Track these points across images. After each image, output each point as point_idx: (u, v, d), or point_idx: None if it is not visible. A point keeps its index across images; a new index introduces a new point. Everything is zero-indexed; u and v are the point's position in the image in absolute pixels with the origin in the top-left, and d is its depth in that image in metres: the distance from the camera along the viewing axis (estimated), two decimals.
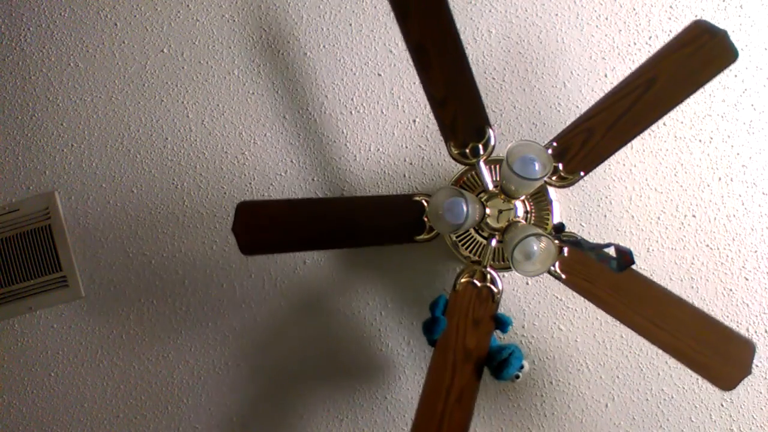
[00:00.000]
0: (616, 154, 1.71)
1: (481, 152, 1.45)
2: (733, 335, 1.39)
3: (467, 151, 1.45)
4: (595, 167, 1.42)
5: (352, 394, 1.81)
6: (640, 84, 1.37)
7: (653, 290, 1.41)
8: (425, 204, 1.49)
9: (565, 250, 1.44)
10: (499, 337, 1.68)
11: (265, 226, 1.49)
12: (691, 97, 1.69)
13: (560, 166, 1.43)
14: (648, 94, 1.36)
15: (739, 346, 1.39)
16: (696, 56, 1.35)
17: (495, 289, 1.48)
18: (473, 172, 1.56)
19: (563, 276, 1.43)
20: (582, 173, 1.42)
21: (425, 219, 1.49)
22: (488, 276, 1.49)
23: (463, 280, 1.49)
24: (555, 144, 1.43)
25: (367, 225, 1.50)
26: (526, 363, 1.57)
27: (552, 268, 1.42)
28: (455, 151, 1.46)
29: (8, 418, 1.90)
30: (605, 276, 1.40)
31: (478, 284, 1.48)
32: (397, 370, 1.80)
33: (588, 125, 1.40)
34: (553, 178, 1.44)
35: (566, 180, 1.44)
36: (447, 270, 1.75)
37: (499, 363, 1.48)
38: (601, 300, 1.42)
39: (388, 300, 1.79)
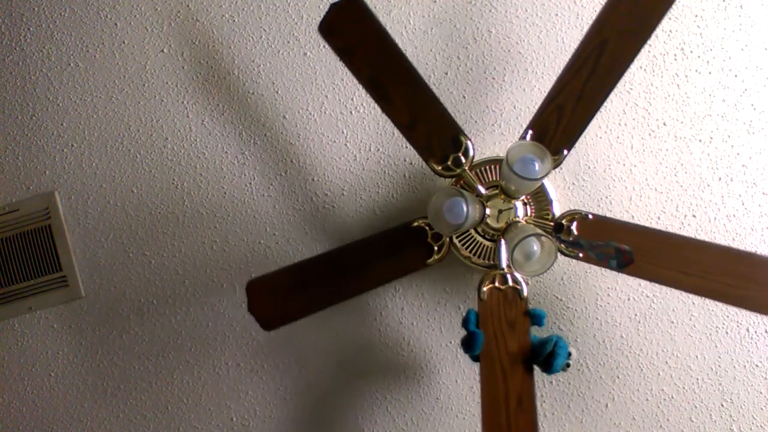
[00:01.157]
0: (616, 153, 1.72)
1: (463, 161, 1.45)
2: (763, 260, 1.37)
3: (449, 164, 1.45)
4: (575, 141, 1.41)
5: (352, 394, 1.82)
6: (594, 48, 1.36)
7: (671, 241, 1.41)
8: (426, 227, 1.49)
9: (574, 226, 1.44)
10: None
11: (279, 298, 1.51)
12: (691, 96, 1.70)
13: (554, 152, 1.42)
14: (604, 56, 1.36)
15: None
16: (638, 3, 1.34)
17: (519, 287, 1.47)
18: (473, 172, 1.56)
19: (580, 255, 1.42)
20: (565, 151, 1.41)
21: (430, 242, 1.49)
22: (509, 276, 1.48)
23: (485, 288, 1.48)
24: (531, 131, 1.41)
25: (376, 266, 1.50)
26: (573, 350, 1.54)
27: (568, 248, 1.42)
28: (438, 167, 1.46)
29: (8, 418, 1.90)
30: (620, 241, 1.40)
31: (502, 287, 1.47)
32: (396, 370, 1.80)
33: (557, 103, 1.39)
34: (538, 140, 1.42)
35: (553, 161, 1.43)
36: (448, 270, 1.75)
37: (547, 357, 1.45)
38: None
39: (388, 300, 1.79)
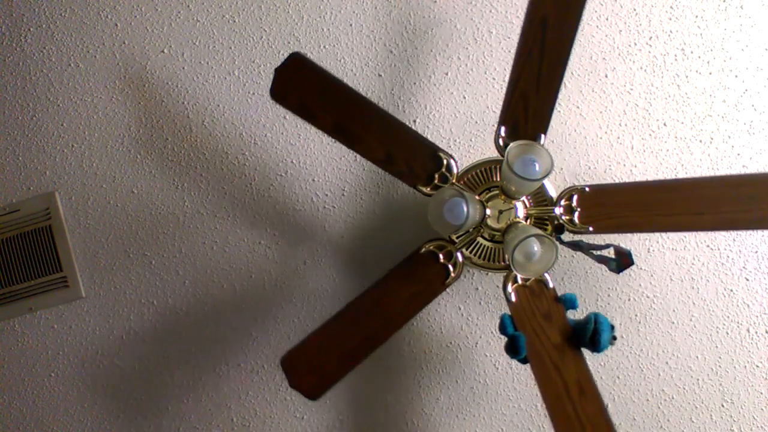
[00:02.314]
0: (617, 154, 1.72)
1: (449, 176, 1.45)
2: (763, 177, 1.38)
3: (436, 182, 1.45)
4: (548, 123, 1.41)
5: (352, 394, 1.81)
6: (536, 29, 1.36)
7: (671, 187, 1.41)
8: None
9: (574, 199, 1.44)
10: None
11: (315, 366, 1.49)
12: (692, 97, 1.70)
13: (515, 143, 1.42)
14: (548, 33, 1.35)
15: None
16: None
17: (543, 278, 1.47)
18: (473, 173, 1.56)
19: (591, 229, 1.43)
20: (542, 136, 1.41)
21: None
22: None
23: (511, 289, 1.47)
24: (504, 126, 1.42)
25: (399, 304, 1.48)
26: (613, 323, 1.51)
27: (578, 222, 1.43)
28: (427, 189, 1.46)
29: (8, 418, 1.90)
30: (623, 204, 1.41)
31: (526, 283, 1.47)
32: (397, 371, 1.80)
33: (519, 91, 1.39)
34: (505, 142, 1.43)
35: (542, 136, 1.43)
36: None
37: (591, 336, 1.42)
38: (635, 224, 1.41)
39: None
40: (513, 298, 1.46)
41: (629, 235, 1.72)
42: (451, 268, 1.48)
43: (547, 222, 1.51)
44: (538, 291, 1.46)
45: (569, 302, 1.47)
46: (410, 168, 1.45)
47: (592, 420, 1.38)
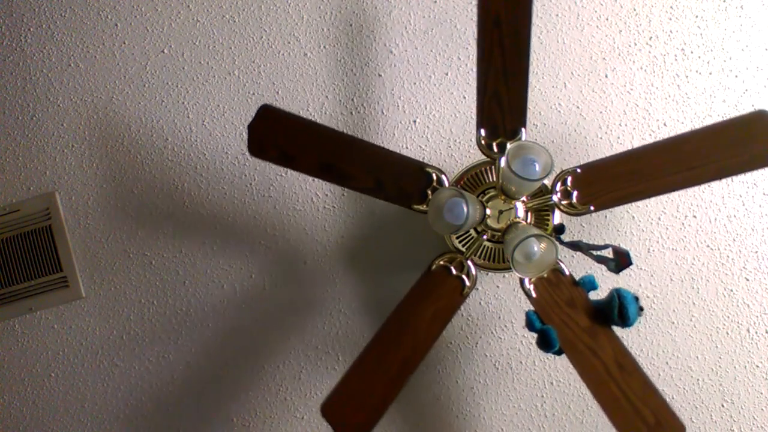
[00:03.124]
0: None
1: (441, 188, 1.44)
2: (742, 119, 1.39)
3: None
4: (525, 116, 1.42)
5: None
6: (491, 30, 1.37)
7: (657, 149, 1.42)
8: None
9: (569, 182, 1.44)
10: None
11: (358, 403, 1.48)
12: (692, 97, 1.70)
13: (501, 140, 1.43)
14: (504, 29, 1.37)
15: (757, 127, 1.38)
16: None
17: (556, 266, 1.46)
18: (473, 173, 1.56)
19: (592, 208, 1.43)
20: (522, 130, 1.42)
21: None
22: None
23: (529, 284, 1.47)
24: (483, 130, 1.43)
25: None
26: (633, 293, 1.49)
27: (577, 204, 1.43)
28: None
29: (8, 418, 1.90)
30: (617, 176, 1.41)
31: (545, 275, 1.47)
32: None
33: (490, 92, 1.40)
34: (496, 149, 1.44)
35: (510, 144, 1.43)
36: None
37: (619, 312, 1.40)
38: (631, 193, 1.42)
39: (389, 301, 1.79)
40: (533, 294, 1.46)
41: (629, 235, 1.72)
42: (465, 278, 1.49)
43: (548, 212, 1.51)
44: (556, 280, 1.46)
45: (589, 284, 1.46)
46: (401, 190, 1.47)
47: (639, 394, 1.38)
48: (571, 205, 1.44)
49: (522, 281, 1.47)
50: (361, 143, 1.48)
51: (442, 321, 1.47)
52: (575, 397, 1.75)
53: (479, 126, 1.43)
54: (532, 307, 1.46)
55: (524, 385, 1.77)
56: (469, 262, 1.49)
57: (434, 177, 1.46)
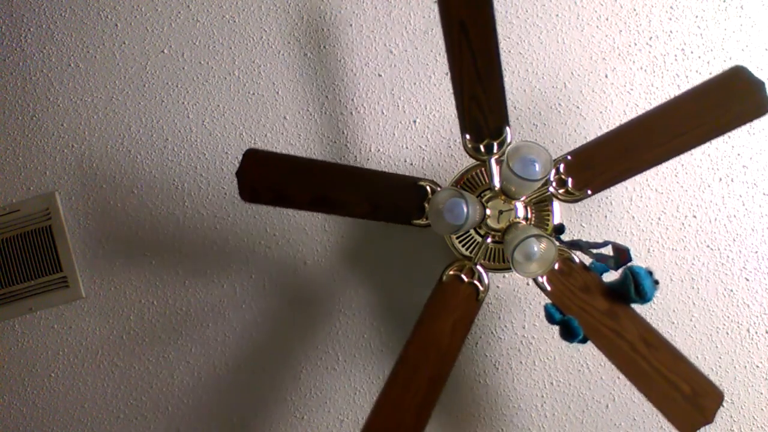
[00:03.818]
0: None
1: (495, 150, 1.45)
2: (720, 79, 1.40)
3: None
4: (507, 115, 1.43)
5: (353, 394, 1.82)
6: (457, 35, 1.38)
7: (643, 122, 1.42)
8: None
9: (562, 170, 1.44)
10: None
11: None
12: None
13: (487, 141, 1.44)
14: (470, 32, 1.38)
15: (735, 84, 1.39)
16: None
17: (565, 255, 1.46)
18: (473, 173, 1.56)
19: (589, 192, 1.44)
20: (507, 129, 1.43)
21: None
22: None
23: (542, 279, 1.47)
24: (468, 135, 1.44)
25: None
26: (646, 267, 1.48)
27: (570, 189, 1.44)
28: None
29: (8, 418, 1.90)
30: (608, 156, 1.43)
31: (556, 266, 1.46)
32: None
33: (467, 96, 1.41)
34: (484, 150, 1.45)
35: (497, 143, 1.45)
36: None
37: (636, 290, 1.40)
38: (626, 170, 1.42)
39: (389, 301, 1.79)
40: (548, 287, 1.46)
41: (629, 235, 1.72)
42: (477, 283, 1.49)
43: (548, 212, 1.51)
44: (567, 269, 1.46)
45: (600, 267, 1.46)
46: (398, 208, 1.48)
47: (671, 366, 1.38)
48: (567, 192, 1.44)
49: (534, 278, 1.46)
50: (351, 169, 1.50)
51: (462, 331, 1.47)
52: (575, 397, 1.75)
53: (463, 131, 1.44)
54: (548, 300, 1.45)
55: (524, 385, 1.77)
56: (479, 267, 1.50)
57: (428, 189, 1.48)
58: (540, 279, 1.46)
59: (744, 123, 1.39)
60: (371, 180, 1.49)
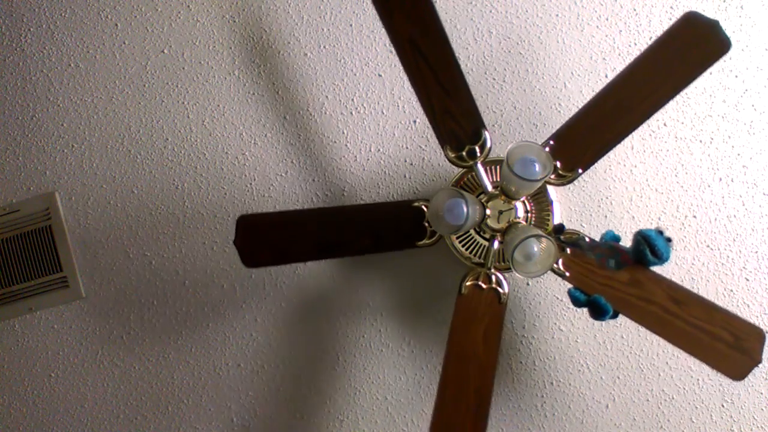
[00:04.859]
0: (617, 154, 1.72)
1: (478, 154, 1.45)
2: (661, 42, 1.41)
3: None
4: (478, 116, 1.44)
5: (353, 394, 1.82)
6: (411, 52, 1.40)
7: (617, 87, 1.42)
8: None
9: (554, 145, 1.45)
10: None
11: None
12: (692, 97, 1.70)
13: (468, 148, 1.45)
14: (423, 47, 1.41)
15: (690, 31, 1.40)
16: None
17: (574, 237, 1.45)
18: (473, 173, 1.56)
19: (580, 171, 1.44)
20: (486, 133, 1.45)
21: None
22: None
23: (560, 265, 1.47)
24: (449, 146, 1.46)
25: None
26: (659, 228, 1.45)
27: (561, 172, 1.45)
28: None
29: (8, 418, 1.90)
30: (589, 128, 1.43)
31: (568, 250, 1.47)
32: (397, 371, 1.80)
33: (438, 109, 1.43)
34: (467, 156, 1.46)
35: (479, 147, 1.46)
36: (448, 270, 1.74)
37: (652, 252, 1.37)
38: (609, 139, 1.42)
39: (388, 301, 1.79)
40: (566, 273, 1.46)
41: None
42: (497, 287, 1.49)
43: (548, 212, 1.52)
44: (580, 252, 1.46)
45: (611, 240, 1.45)
46: (400, 234, 1.50)
47: (706, 318, 1.38)
48: (559, 176, 1.45)
49: (553, 270, 1.46)
50: (343, 209, 1.53)
51: (494, 337, 1.48)
52: (575, 397, 1.75)
53: (443, 144, 1.46)
54: (570, 285, 1.45)
55: (524, 385, 1.77)
56: (494, 271, 1.50)
57: (424, 209, 1.50)
58: (557, 265, 1.46)
59: (710, 65, 1.38)
60: (366, 214, 1.52)
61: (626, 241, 1.43)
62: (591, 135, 1.43)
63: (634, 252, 1.41)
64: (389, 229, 1.50)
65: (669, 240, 1.39)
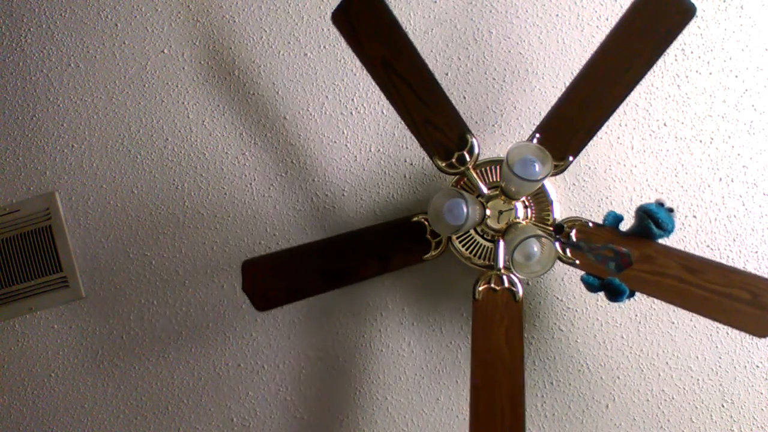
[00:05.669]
0: (617, 154, 1.72)
1: (468, 159, 1.46)
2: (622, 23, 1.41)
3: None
4: (461, 121, 1.45)
5: (353, 394, 1.82)
6: (385, 72, 1.43)
7: (591, 69, 1.42)
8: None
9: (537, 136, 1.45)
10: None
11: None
12: (692, 97, 1.70)
13: (457, 154, 1.46)
14: (396, 65, 1.43)
15: (652, 5, 1.39)
16: (357, 16, 1.44)
17: (579, 224, 1.47)
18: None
19: (570, 158, 1.44)
20: (468, 136, 1.45)
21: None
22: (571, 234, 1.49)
23: (570, 253, 1.48)
24: (437, 157, 1.47)
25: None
26: (659, 200, 1.46)
27: (567, 254, 1.45)
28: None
29: (8, 418, 1.90)
30: (572, 114, 1.42)
31: (574, 237, 1.47)
32: (397, 371, 1.80)
33: (421, 123, 1.44)
34: (457, 163, 1.47)
35: (467, 152, 1.47)
36: (448, 269, 1.74)
37: (657, 224, 1.40)
38: (594, 122, 1.42)
39: (388, 300, 1.79)
40: (577, 261, 1.46)
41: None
42: (512, 287, 1.49)
43: (548, 212, 1.52)
44: (585, 235, 1.46)
45: (613, 219, 1.47)
46: (405, 251, 1.51)
47: (722, 282, 1.38)
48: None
49: (564, 251, 1.46)
50: (345, 237, 1.53)
51: (517, 337, 1.47)
52: (576, 398, 1.75)
53: (431, 156, 1.47)
54: (581, 273, 1.46)
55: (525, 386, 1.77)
56: (504, 271, 1.50)
57: (424, 222, 1.50)
58: (566, 254, 1.46)
59: (680, 31, 1.37)
60: (368, 237, 1.53)
61: (629, 221, 1.45)
62: (575, 121, 1.43)
63: (638, 227, 1.41)
64: (394, 249, 1.51)
65: (671, 210, 1.40)
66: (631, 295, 1.41)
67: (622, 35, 1.39)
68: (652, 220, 1.38)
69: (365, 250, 1.51)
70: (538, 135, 1.44)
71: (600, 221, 1.48)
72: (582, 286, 1.69)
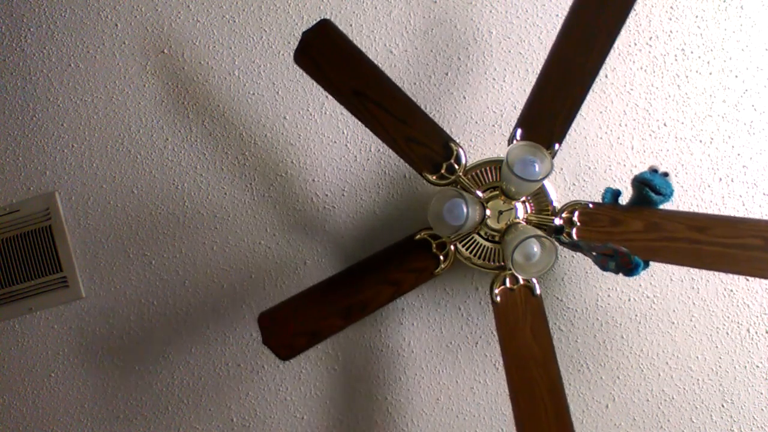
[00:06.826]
0: (617, 154, 1.72)
1: (456, 168, 1.46)
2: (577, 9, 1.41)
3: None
4: (441, 131, 1.46)
5: (353, 394, 1.82)
6: (358, 100, 1.44)
7: (553, 62, 1.42)
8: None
9: (518, 135, 1.45)
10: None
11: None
12: (692, 97, 1.70)
13: (446, 164, 1.47)
14: (368, 93, 1.43)
15: None
16: (327, 52, 1.45)
17: (581, 204, 1.46)
18: (473, 173, 1.56)
19: (557, 146, 1.43)
20: (450, 143, 1.46)
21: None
22: (574, 222, 1.48)
23: (575, 235, 1.48)
24: (426, 171, 1.47)
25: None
26: (654, 167, 1.47)
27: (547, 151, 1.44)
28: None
29: (8, 418, 1.90)
30: (548, 104, 1.42)
31: (578, 222, 1.47)
32: (397, 371, 1.80)
33: (402, 141, 1.45)
34: (447, 172, 1.48)
35: (454, 160, 1.47)
36: (447, 269, 1.74)
37: (655, 191, 1.40)
38: (572, 103, 1.41)
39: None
40: (585, 245, 1.45)
41: None
42: (528, 283, 1.49)
43: (548, 212, 1.51)
44: (588, 216, 1.45)
45: (611, 195, 1.47)
46: (416, 272, 1.51)
47: (732, 233, 1.36)
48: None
49: (570, 235, 1.46)
50: (353, 269, 1.53)
51: (543, 331, 1.47)
52: (576, 398, 1.75)
53: (420, 171, 1.47)
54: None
55: None
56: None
57: (427, 238, 1.51)
58: (571, 237, 1.46)
59: (629, 8, 1.37)
60: (376, 264, 1.52)
61: (627, 195, 1.45)
62: (552, 108, 1.42)
63: (637, 198, 1.41)
64: (404, 272, 1.51)
65: (666, 174, 1.40)
66: (646, 265, 1.39)
67: (575, 25, 1.39)
68: (649, 187, 1.38)
69: (376, 279, 1.51)
70: (519, 130, 1.43)
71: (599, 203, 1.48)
72: (582, 286, 1.69)
